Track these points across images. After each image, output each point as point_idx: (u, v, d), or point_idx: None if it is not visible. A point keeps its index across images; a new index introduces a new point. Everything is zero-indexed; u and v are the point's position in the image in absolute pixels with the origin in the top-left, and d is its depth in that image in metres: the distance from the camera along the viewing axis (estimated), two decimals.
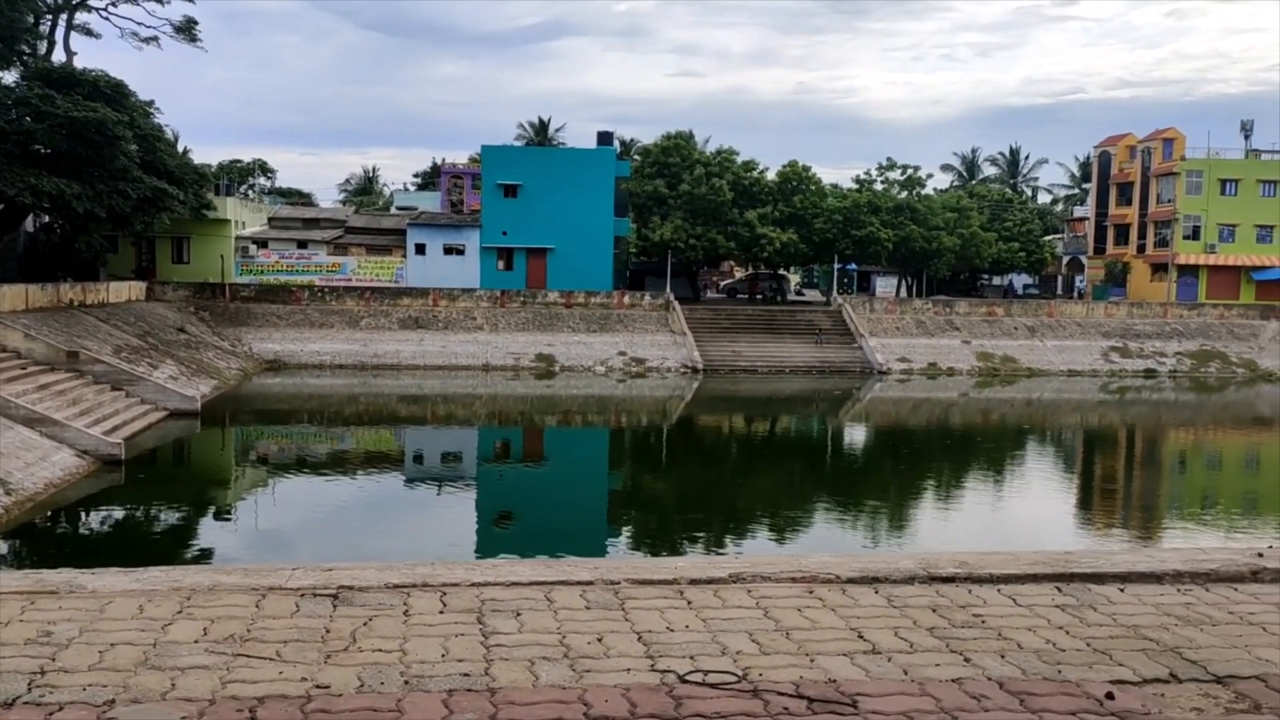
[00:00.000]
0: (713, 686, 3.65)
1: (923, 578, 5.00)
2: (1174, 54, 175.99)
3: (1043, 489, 29.36)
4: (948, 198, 71.84)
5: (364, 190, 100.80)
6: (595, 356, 53.05)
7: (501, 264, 59.01)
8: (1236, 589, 5.07)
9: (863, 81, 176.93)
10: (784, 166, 64.08)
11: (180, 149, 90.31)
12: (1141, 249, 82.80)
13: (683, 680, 3.72)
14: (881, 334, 57.29)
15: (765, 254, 60.57)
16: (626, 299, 57.50)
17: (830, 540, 21.80)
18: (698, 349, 53.87)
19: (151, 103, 44.88)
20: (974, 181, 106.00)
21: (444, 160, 79.98)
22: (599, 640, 4.20)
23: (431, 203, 74.46)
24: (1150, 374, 56.31)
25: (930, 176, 67.02)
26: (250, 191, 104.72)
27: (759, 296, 66.41)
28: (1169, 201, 79.45)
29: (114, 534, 21.33)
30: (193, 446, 31.35)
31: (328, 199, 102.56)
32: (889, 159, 66.79)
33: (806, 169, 63.84)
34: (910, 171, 66.25)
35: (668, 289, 58.83)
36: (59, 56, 47.97)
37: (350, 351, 50.97)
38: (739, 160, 62.91)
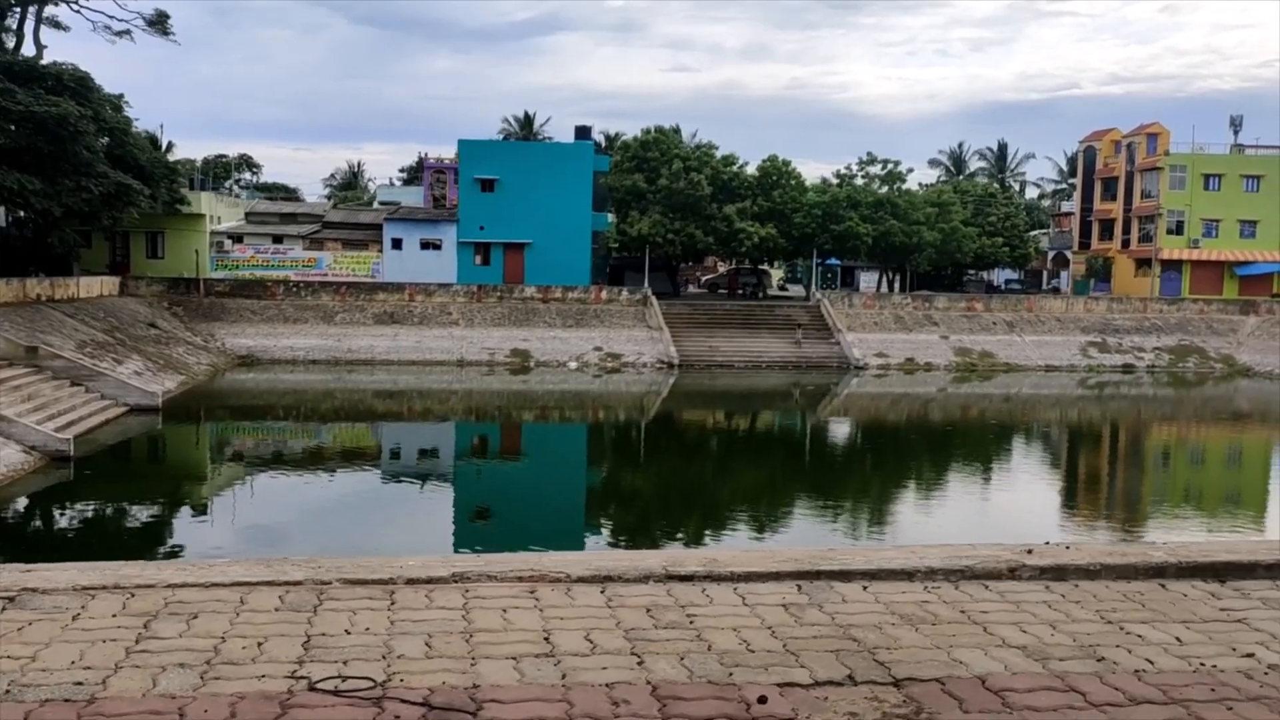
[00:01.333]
0: (337, 694, 3.55)
1: (659, 576, 4.90)
2: (1167, 49, 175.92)
3: (1000, 485, 29.27)
4: (929, 193, 71.68)
5: (349, 185, 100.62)
6: (571, 352, 52.93)
7: (479, 259, 58.89)
8: (988, 586, 4.97)
9: (856, 77, 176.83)
10: (764, 161, 63.96)
11: (164, 144, 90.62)
12: (1126, 244, 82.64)
13: (312, 688, 3.62)
14: (859, 329, 57.17)
15: (743, 249, 60.44)
16: (604, 294, 57.40)
17: (786, 536, 21.71)
18: (674, 344, 53.75)
19: (121, 96, 44.74)
20: (961, 177, 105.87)
21: (426, 154, 79.91)
22: (258, 645, 4.09)
23: (415, 197, 74.31)
24: (1128, 369, 56.21)
25: (911, 171, 66.98)
26: (235, 186, 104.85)
27: (739, 292, 66.29)
28: (1153, 196, 79.30)
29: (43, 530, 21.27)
30: (148, 443, 31.21)
31: (317, 194, 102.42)
32: (869, 153, 66.82)
33: (786, 163, 63.69)
34: (891, 166, 66.15)
35: (645, 284, 58.73)
36: (29, 49, 47.79)
37: (324, 347, 50.85)
38: (718, 155, 62.79)
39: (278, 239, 57.81)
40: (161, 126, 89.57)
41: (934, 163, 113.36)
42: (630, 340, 54.33)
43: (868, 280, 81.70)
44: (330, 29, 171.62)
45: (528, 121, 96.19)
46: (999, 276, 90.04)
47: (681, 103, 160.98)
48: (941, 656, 4.16)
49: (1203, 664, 4.21)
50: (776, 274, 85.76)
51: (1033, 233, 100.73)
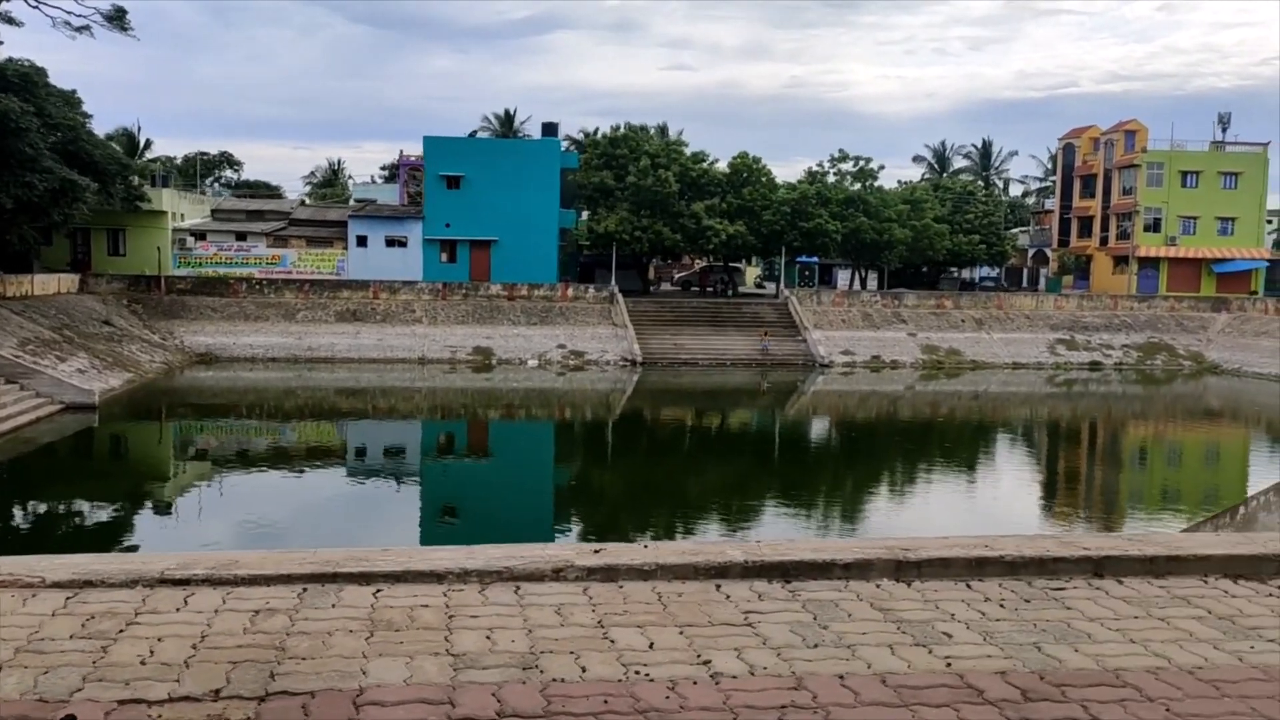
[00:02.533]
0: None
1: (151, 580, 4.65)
2: (1165, 48, 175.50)
3: (939, 481, 28.99)
4: (903, 190, 71.37)
5: (329, 183, 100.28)
6: (534, 349, 52.64)
7: (445, 256, 58.59)
8: (518, 589, 4.60)
9: (855, 76, 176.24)
10: (734, 158, 63.65)
11: (142, 141, 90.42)
12: (1104, 241, 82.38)
13: None
14: (827, 327, 56.90)
15: (711, 245, 60.11)
16: (570, 291, 57.13)
17: (701, 533, 21.45)
18: (638, 342, 53.46)
19: (74, 92, 44.36)
20: (945, 174, 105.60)
21: (404, 152, 79.52)
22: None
23: (391, 195, 73.93)
24: (1095, 366, 55.94)
25: (882, 168, 66.60)
26: (216, 184, 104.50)
27: (709, 289, 65.98)
28: (1130, 193, 79.07)
29: None
30: (74, 442, 30.80)
31: (298, 192, 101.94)
32: (841, 150, 66.45)
33: (757, 160, 63.38)
34: (862, 163, 65.82)
35: (612, 281, 58.40)
36: None
37: (284, 345, 50.53)
38: (688, 152, 62.45)
39: (241, 236, 57.48)
40: (138, 123, 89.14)
41: (918, 159, 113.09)
42: (594, 338, 54.05)
43: (845, 278, 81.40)
44: (328, 28, 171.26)
45: (508, 119, 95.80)
46: (980, 274, 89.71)
47: (680, 102, 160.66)
48: (356, 667, 3.87)
49: (644, 669, 3.94)
50: (753, 272, 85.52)
51: (1013, 230, 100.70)
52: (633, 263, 63.98)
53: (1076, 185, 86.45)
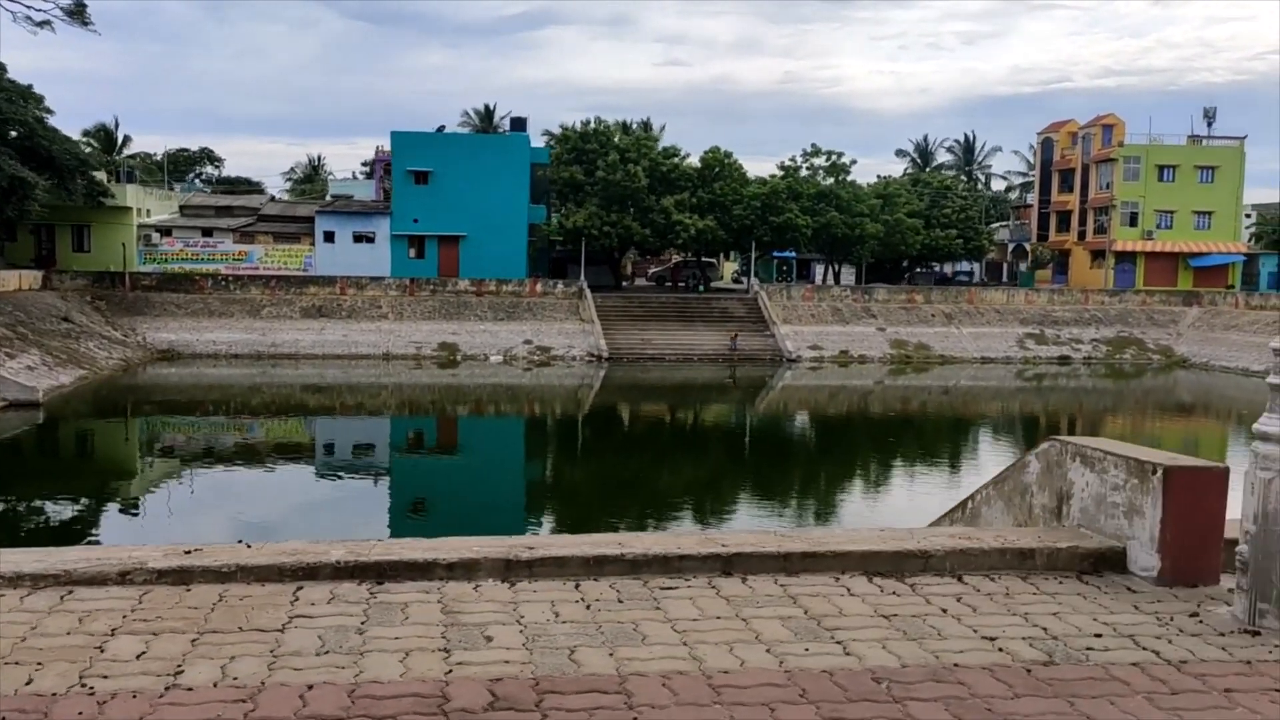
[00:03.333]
0: None
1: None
2: (1159, 43, 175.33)
3: (870, 477, 28.90)
4: (877, 185, 71.18)
5: (309, 179, 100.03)
6: (500, 345, 52.49)
7: (413, 251, 58.38)
8: (69, 594, 4.43)
9: (849, 70, 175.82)
10: (705, 153, 63.49)
11: (120, 137, 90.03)
12: (1082, 235, 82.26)
13: None
14: (795, 321, 56.78)
15: (680, 240, 59.97)
16: (539, 287, 56.95)
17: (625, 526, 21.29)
18: (604, 337, 53.31)
19: (30, 87, 44.10)
20: (928, 169, 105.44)
21: (381, 148, 79.22)
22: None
23: (368, 191, 73.76)
24: (1064, 361, 55.85)
25: (854, 163, 66.33)
26: (198, 180, 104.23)
27: (681, 284, 65.81)
28: (1107, 187, 78.94)
29: None
30: (13, 440, 30.62)
31: (279, 189, 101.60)
32: (814, 145, 66.27)
33: (728, 155, 63.23)
34: (834, 158, 65.64)
35: (581, 276, 58.21)
36: None
37: (248, 341, 50.34)
38: (660, 146, 62.26)
39: (208, 232, 57.24)
40: (116, 119, 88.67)
41: (900, 153, 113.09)
42: (561, 333, 53.90)
43: (823, 273, 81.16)
44: (322, 24, 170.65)
45: (488, 114, 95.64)
46: (957, 269, 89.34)
47: (674, 97, 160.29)
48: None
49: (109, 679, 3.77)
50: (730, 267, 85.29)
51: (993, 225, 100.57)
52: (605, 258, 63.80)
53: (1055, 180, 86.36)
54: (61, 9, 49.34)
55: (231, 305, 52.37)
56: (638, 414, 41.18)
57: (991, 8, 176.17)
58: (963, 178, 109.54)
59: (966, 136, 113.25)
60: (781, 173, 65.56)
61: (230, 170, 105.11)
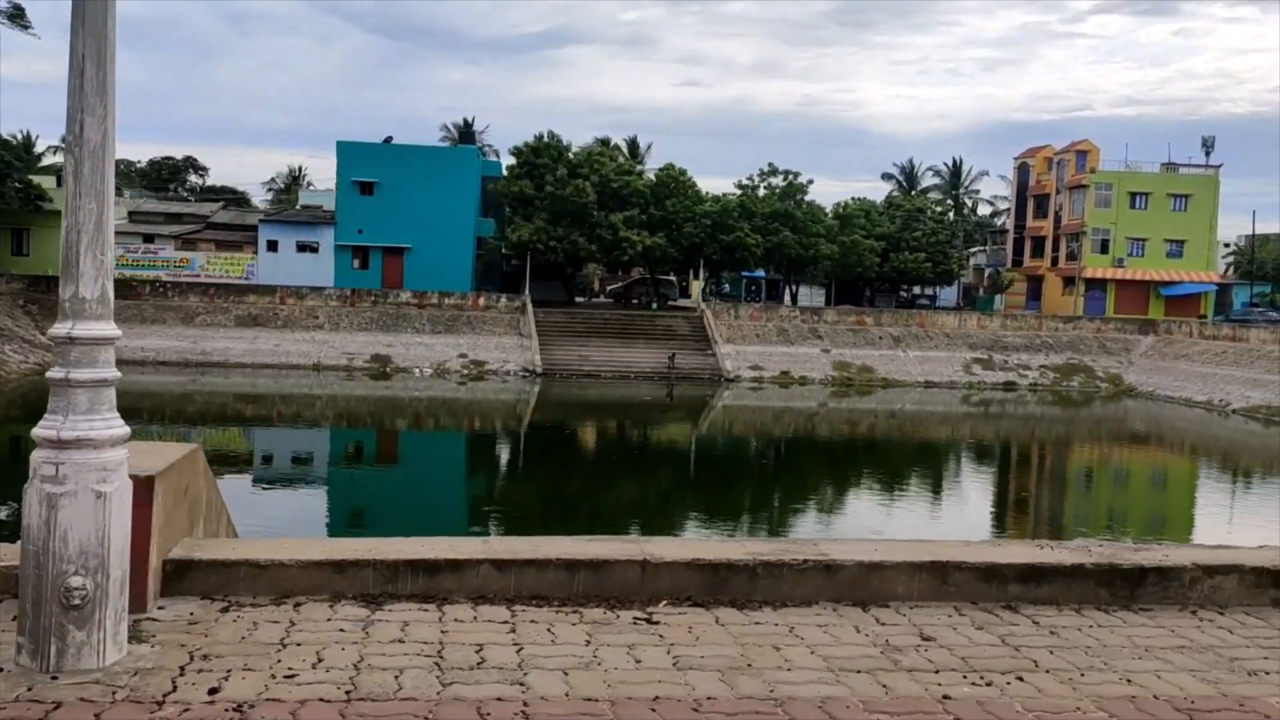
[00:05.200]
0: None
1: None
2: (1180, 73, 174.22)
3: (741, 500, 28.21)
4: (841, 207, 70.53)
5: (288, 189, 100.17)
6: (434, 358, 52.06)
7: (357, 262, 58.13)
8: None
9: (868, 94, 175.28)
10: (659, 170, 63.13)
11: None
12: (1055, 261, 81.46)
13: None
14: (739, 341, 56.17)
15: (627, 257, 59.53)
16: (482, 300, 56.54)
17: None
18: (540, 353, 52.82)
19: None
20: (914, 192, 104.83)
21: None
22: None
23: None
24: (1009, 387, 54.99)
25: (812, 183, 65.74)
26: (181, 189, 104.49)
27: (634, 301, 65.27)
28: (1080, 214, 78.11)
29: None
30: None
31: (260, 198, 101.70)
32: (770, 164, 65.73)
33: (683, 173, 62.83)
34: (791, 178, 65.11)
35: (526, 291, 57.74)
36: None
37: (178, 348, 50.04)
38: (612, 162, 61.86)
39: (149, 239, 57.13)
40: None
41: (886, 176, 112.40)
42: (498, 348, 53.44)
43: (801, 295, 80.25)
44: (344, 38, 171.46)
45: (467, 128, 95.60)
46: (946, 293, 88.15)
47: (693, 117, 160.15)
48: None
49: None
50: (697, 285, 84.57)
51: (972, 250, 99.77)
52: (557, 273, 63.41)
53: (1030, 205, 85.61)
54: (1, 12, 49.59)
55: (165, 312, 52.13)
56: (556, 433, 40.54)
57: (1011, 35, 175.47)
58: (949, 201, 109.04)
59: (954, 160, 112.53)
60: (742, 192, 65.08)
61: (216, 179, 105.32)
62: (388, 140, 60.53)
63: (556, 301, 61.12)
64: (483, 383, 50.52)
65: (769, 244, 61.21)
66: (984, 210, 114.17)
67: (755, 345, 56.05)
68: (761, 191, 65.10)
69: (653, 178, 62.99)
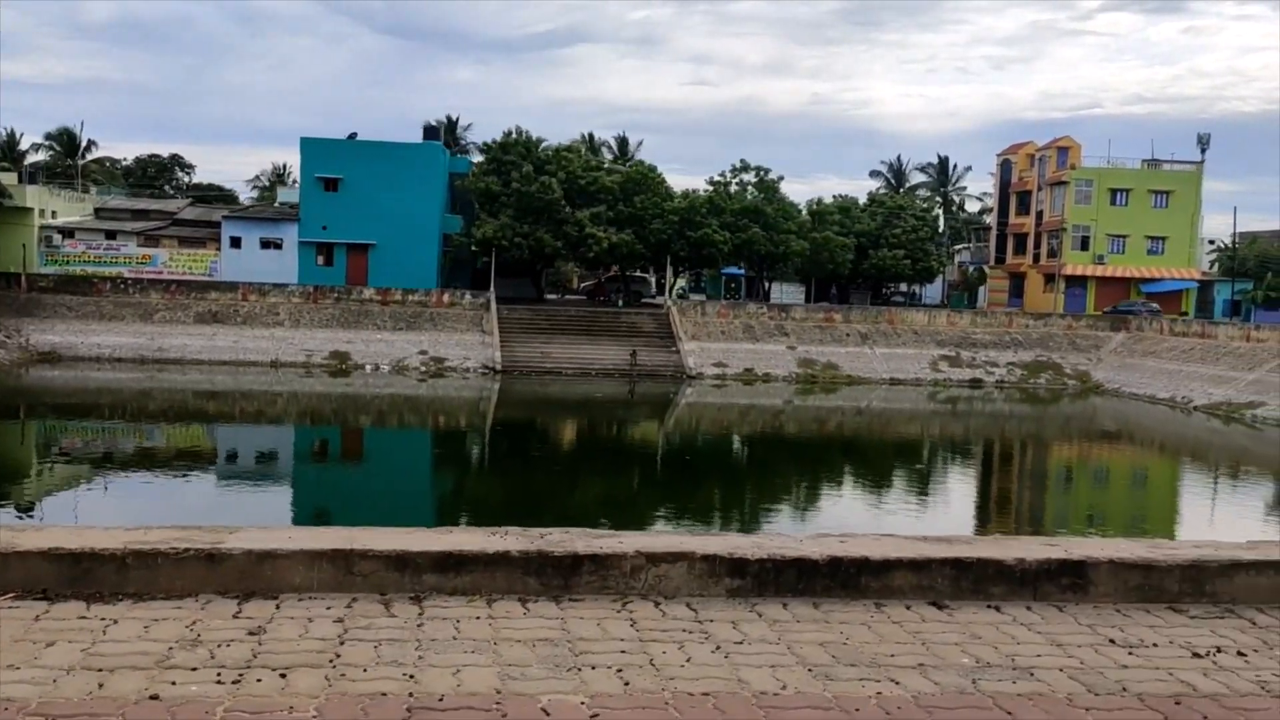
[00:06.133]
0: None
1: None
2: (1190, 71, 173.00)
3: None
4: (811, 203, 70.05)
5: (273, 186, 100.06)
6: (394, 355, 51.78)
7: (321, 259, 57.85)
8: None
9: (877, 93, 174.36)
10: (629, 166, 62.76)
11: (84, 142, 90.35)
12: (1037, 259, 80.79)
13: None
14: (704, 338, 55.75)
15: (593, 253, 59.14)
16: (446, 297, 56.25)
17: None
18: (501, 350, 52.51)
19: None
20: (902, 190, 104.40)
21: None
22: None
23: None
24: (976, 384, 54.46)
25: (781, 179, 65.19)
26: (168, 187, 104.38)
27: (603, 299, 64.88)
28: (1060, 211, 77.44)
29: None
30: None
31: (246, 196, 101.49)
32: (742, 160, 65.27)
33: (652, 170, 62.46)
34: (763, 174, 64.64)
35: (491, 288, 57.38)
36: None
37: (135, 345, 49.83)
38: (579, 159, 61.46)
39: (112, 235, 56.93)
40: (81, 124, 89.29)
41: (874, 174, 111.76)
42: (459, 345, 53.14)
43: (778, 292, 79.71)
44: (354, 38, 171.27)
45: (451, 126, 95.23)
46: (930, 291, 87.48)
47: (703, 117, 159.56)
48: None
49: None
50: (679, 283, 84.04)
51: (957, 247, 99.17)
52: (527, 270, 63.06)
53: (1013, 202, 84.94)
54: None
55: (125, 309, 51.93)
56: (510, 431, 40.16)
57: (1021, 33, 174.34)
58: (937, 199, 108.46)
59: (941, 158, 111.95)
60: (714, 189, 64.63)
61: (219, 179, 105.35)
62: (353, 136, 60.26)
63: (526, 299, 60.81)
64: (442, 379, 50.23)
65: (738, 241, 60.73)
66: (973, 207, 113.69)
67: (720, 342, 55.63)
68: (734, 188, 64.65)
69: (621, 175, 62.56)
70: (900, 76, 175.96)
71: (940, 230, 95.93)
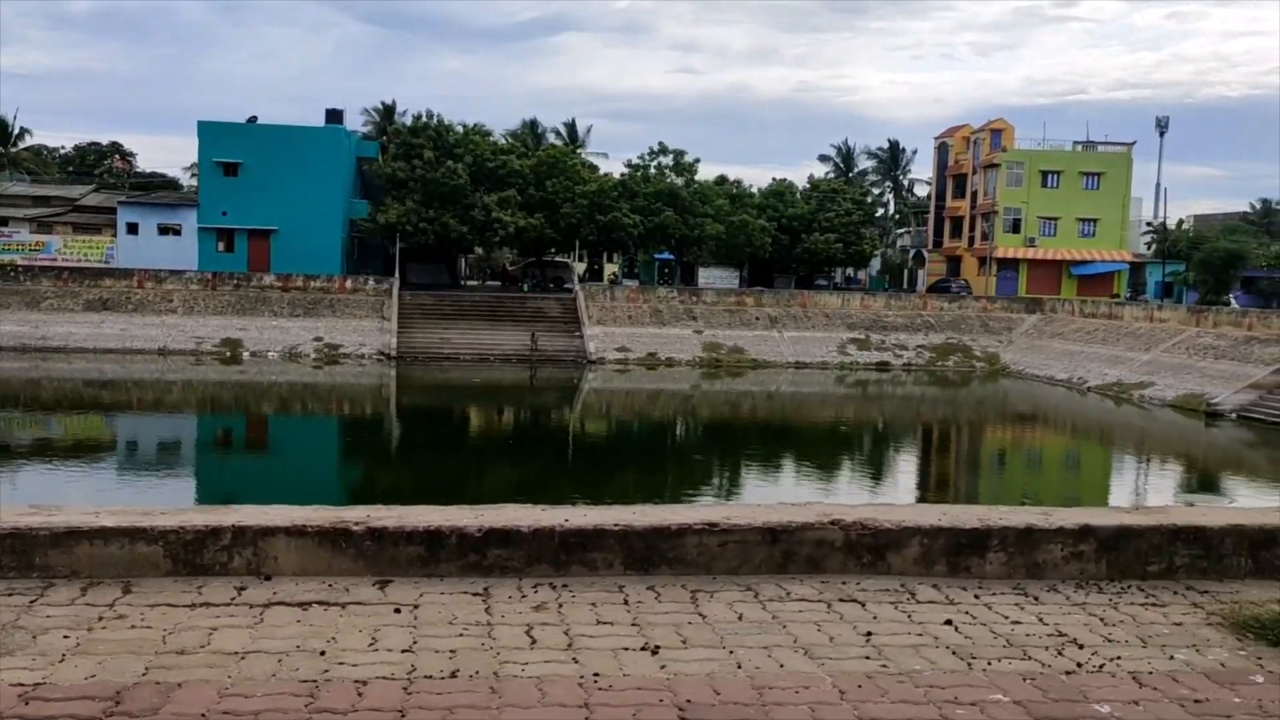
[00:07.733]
0: None
1: None
2: (1174, 56, 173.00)
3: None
4: (730, 186, 69.24)
5: None
6: (288, 342, 50.85)
7: (221, 245, 56.87)
8: None
9: (863, 80, 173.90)
10: (541, 150, 61.87)
11: (15, 130, 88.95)
12: (972, 242, 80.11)
13: None
14: (610, 323, 54.92)
15: (498, 238, 58.28)
16: (349, 283, 55.29)
17: None
18: (399, 336, 51.63)
19: None
20: (851, 174, 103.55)
21: None
22: None
23: None
24: (883, 367, 53.77)
25: (697, 161, 64.22)
26: (109, 175, 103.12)
27: (520, 284, 64.01)
28: (993, 194, 76.74)
29: None
30: None
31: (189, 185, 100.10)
32: (660, 143, 64.38)
33: (566, 153, 61.58)
34: (678, 157, 63.78)
35: (395, 273, 56.47)
36: None
37: (16, 333, 48.71)
38: (487, 143, 60.50)
39: (3, 221, 55.84)
40: (16, 113, 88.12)
41: (824, 158, 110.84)
42: (357, 331, 52.22)
43: (706, 277, 78.86)
44: (337, 27, 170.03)
45: (388, 112, 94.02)
46: (866, 275, 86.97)
47: (688, 105, 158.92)
48: None
49: None
50: (611, 268, 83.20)
51: (899, 231, 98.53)
52: (441, 256, 62.16)
53: (950, 185, 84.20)
54: None
55: (10, 297, 50.78)
56: (394, 417, 39.34)
57: (1004, 19, 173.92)
58: (887, 183, 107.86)
59: (892, 142, 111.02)
60: (628, 171, 63.80)
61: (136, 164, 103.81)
62: (252, 120, 59.21)
63: (440, 285, 59.91)
64: (337, 366, 49.33)
65: (650, 224, 59.88)
66: (922, 191, 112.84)
67: (625, 327, 54.80)
68: (652, 171, 63.79)
69: (534, 159, 61.64)
70: (886, 63, 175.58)
71: (881, 215, 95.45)
